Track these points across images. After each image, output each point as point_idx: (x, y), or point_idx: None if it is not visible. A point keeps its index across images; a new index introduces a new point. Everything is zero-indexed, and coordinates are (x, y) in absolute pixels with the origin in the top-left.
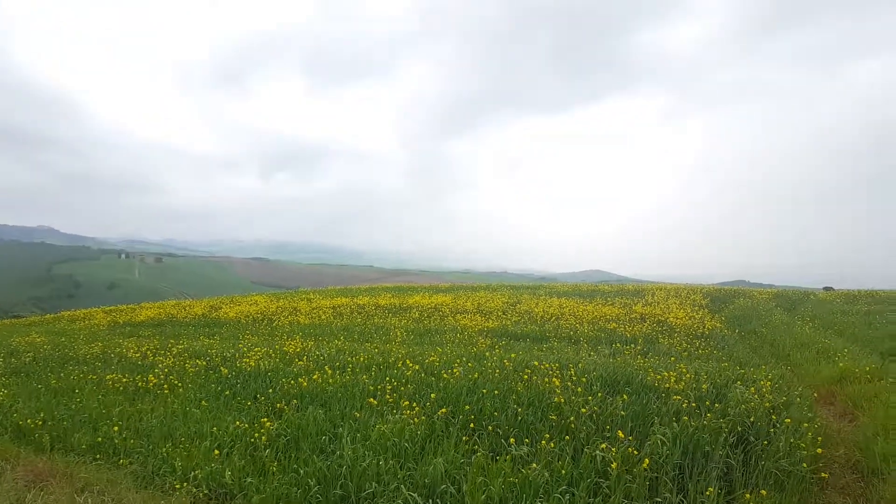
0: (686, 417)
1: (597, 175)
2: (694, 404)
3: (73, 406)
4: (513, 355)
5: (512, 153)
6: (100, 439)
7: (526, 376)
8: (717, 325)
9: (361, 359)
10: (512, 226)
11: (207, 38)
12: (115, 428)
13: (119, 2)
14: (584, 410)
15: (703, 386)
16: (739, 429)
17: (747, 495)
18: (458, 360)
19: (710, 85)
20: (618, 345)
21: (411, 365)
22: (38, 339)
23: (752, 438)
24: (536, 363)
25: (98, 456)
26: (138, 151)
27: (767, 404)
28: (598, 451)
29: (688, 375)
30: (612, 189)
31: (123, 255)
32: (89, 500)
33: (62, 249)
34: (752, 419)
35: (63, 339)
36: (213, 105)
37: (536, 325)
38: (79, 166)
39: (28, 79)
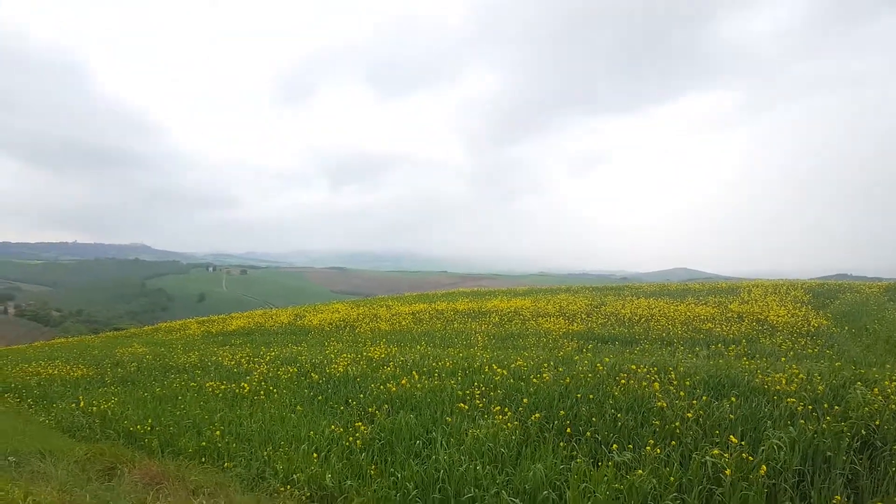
0: (802, 421)
1: (675, 172)
2: (810, 407)
3: (178, 412)
4: (606, 359)
5: (583, 154)
6: (204, 443)
7: (623, 380)
8: (823, 322)
9: (446, 364)
10: (588, 227)
11: (275, 57)
12: (218, 433)
13: (190, 26)
14: (689, 415)
15: (819, 388)
16: (864, 433)
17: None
18: (545, 365)
19: (792, 76)
20: (716, 346)
21: (498, 370)
22: (140, 350)
23: (878, 443)
24: (634, 367)
25: (204, 459)
26: (214, 168)
27: (894, 406)
28: (708, 457)
29: (800, 376)
30: (693, 185)
31: (211, 269)
32: (203, 502)
33: (154, 265)
34: (877, 422)
35: (162, 349)
36: (282, 121)
37: (625, 327)
38: (161, 183)
39: (111, 99)
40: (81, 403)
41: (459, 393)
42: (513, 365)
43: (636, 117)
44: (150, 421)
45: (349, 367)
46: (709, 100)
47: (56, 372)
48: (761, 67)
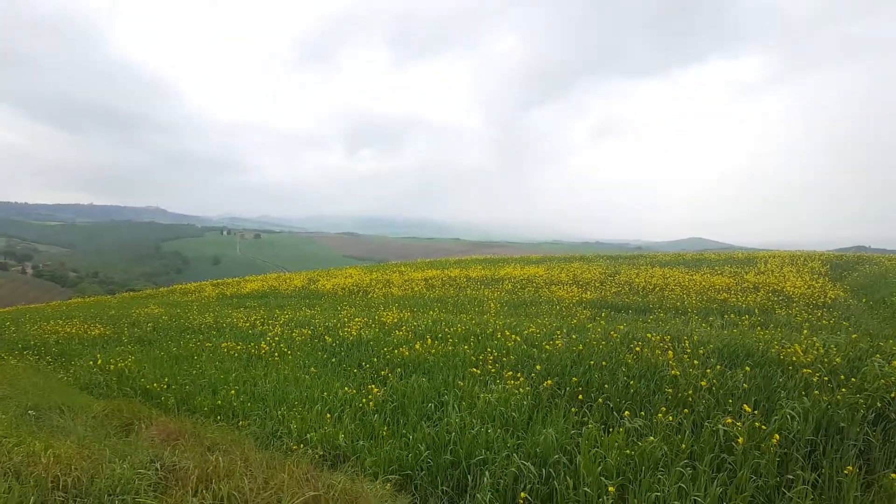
0: (817, 392)
1: (696, 139)
2: (825, 378)
3: (193, 371)
4: (620, 327)
5: (602, 120)
6: (219, 402)
7: (637, 349)
8: (840, 293)
9: (459, 329)
10: (604, 195)
11: (293, 16)
12: (233, 392)
13: None
14: (702, 383)
15: (836, 359)
16: (878, 405)
17: (893, 475)
18: (558, 332)
19: (821, 42)
20: (731, 315)
21: (511, 336)
22: (156, 311)
23: (893, 416)
24: (648, 335)
25: (219, 417)
26: (231, 131)
27: None
28: (720, 426)
29: (817, 347)
30: (712, 154)
31: (225, 232)
32: (220, 458)
33: (170, 228)
34: (892, 395)
35: (178, 311)
36: (299, 83)
37: (639, 296)
38: (179, 146)
39: (125, 62)
40: (99, 361)
41: (472, 358)
42: (525, 332)
43: (660, 81)
44: (166, 379)
45: (362, 331)
46: (735, 65)
47: (74, 331)
48: (791, 32)
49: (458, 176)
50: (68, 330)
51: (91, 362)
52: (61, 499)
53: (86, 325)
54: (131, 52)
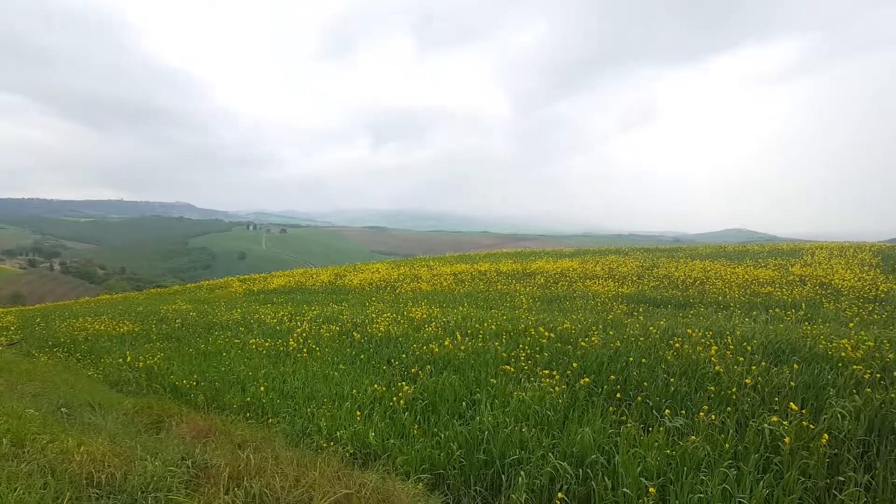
0: (869, 389)
1: (731, 127)
2: (878, 375)
3: (222, 368)
4: (660, 322)
5: (635, 108)
6: (248, 399)
7: (677, 345)
8: (894, 286)
9: (490, 326)
10: (637, 186)
11: (313, 11)
12: (262, 389)
13: None
14: (747, 381)
15: (889, 355)
16: None
17: None
18: (593, 328)
19: (866, 24)
20: (775, 310)
21: (545, 332)
22: (184, 307)
23: None
24: (689, 331)
25: (249, 414)
26: (257, 126)
27: None
28: (766, 425)
29: (868, 343)
30: (750, 141)
31: (251, 227)
32: (251, 456)
33: (198, 223)
34: None
35: (206, 307)
36: (324, 78)
37: (678, 290)
38: (205, 142)
39: (148, 58)
40: (128, 358)
41: (504, 355)
42: (559, 328)
43: (692, 69)
44: (195, 376)
45: (391, 327)
46: (771, 50)
47: (102, 328)
48: (832, 14)
49: (483, 167)
50: (97, 327)
51: (120, 359)
52: (96, 495)
53: (114, 322)
54: (155, 47)
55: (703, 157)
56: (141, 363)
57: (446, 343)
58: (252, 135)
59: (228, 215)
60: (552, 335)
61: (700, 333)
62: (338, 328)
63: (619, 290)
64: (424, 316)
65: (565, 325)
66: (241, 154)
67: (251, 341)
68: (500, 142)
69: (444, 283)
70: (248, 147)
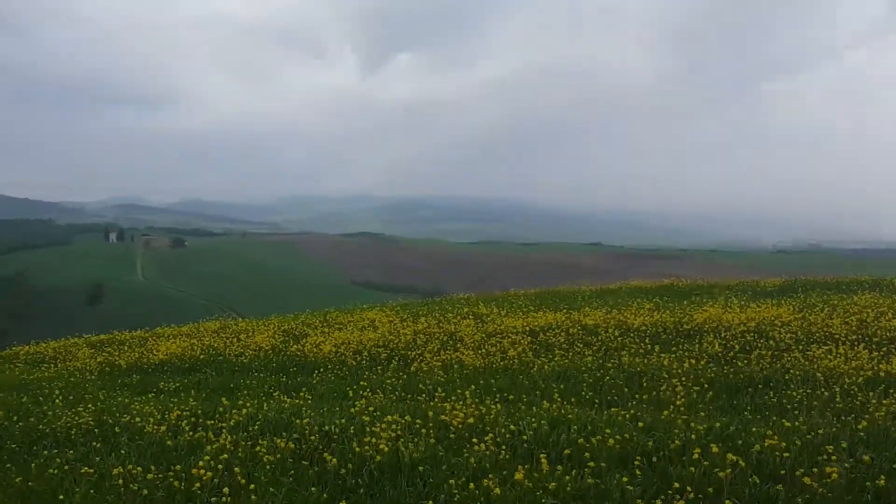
0: None
1: None
2: None
3: None
4: None
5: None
6: None
7: None
8: None
9: (609, 440)
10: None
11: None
12: None
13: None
14: None
15: None
16: None
17: None
18: (827, 446)
19: None
20: None
21: (723, 454)
22: None
23: None
24: None
25: None
26: (113, 32)
27: None
28: None
29: None
30: None
31: (114, 236)
32: None
33: None
34: None
35: (25, 399)
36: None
37: None
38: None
39: None
40: None
41: (639, 502)
42: (755, 447)
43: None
44: None
45: (401, 443)
46: None
47: None
48: None
49: (593, 105)
50: None
51: None
52: None
53: None
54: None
55: None
56: None
57: (518, 477)
58: (104, 46)
59: (64, 210)
60: (740, 461)
61: None
62: (292, 444)
63: (882, 366)
64: (471, 420)
65: (769, 442)
66: (86, 87)
67: (116, 470)
68: (629, 55)
69: (511, 352)
70: (101, 74)
